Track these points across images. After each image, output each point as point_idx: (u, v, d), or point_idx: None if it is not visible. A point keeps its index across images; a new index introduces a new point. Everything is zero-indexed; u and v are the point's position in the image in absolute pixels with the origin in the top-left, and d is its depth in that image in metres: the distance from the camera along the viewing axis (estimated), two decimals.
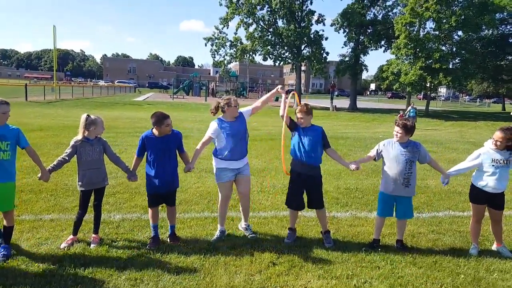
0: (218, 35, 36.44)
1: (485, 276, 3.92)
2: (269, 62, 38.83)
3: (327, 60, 36.94)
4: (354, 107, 37.11)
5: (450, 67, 33.84)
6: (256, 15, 34.75)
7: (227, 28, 37.12)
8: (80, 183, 4.21)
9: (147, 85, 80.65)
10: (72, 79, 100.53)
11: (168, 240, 4.45)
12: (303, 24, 34.62)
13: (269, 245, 4.43)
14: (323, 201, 4.59)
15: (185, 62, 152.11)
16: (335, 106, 35.33)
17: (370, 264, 4.07)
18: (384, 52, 39.12)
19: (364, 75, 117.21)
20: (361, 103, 49.55)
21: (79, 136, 4.14)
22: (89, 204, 4.36)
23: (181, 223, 5.03)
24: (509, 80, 42.68)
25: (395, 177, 4.31)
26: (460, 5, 29.66)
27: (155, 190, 4.35)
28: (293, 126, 4.50)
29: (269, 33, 35.38)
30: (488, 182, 4.31)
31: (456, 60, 34.89)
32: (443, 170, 4.60)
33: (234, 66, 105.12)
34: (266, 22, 35.30)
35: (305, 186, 4.51)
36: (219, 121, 4.49)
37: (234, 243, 4.47)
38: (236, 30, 36.17)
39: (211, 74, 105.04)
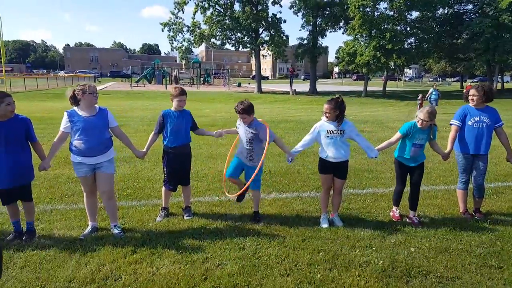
0: (174, 20, 35.45)
1: (346, 253, 3.94)
2: (229, 46, 38.33)
3: (288, 44, 36.70)
4: (314, 91, 37.30)
5: (406, 47, 34.47)
6: None
7: (183, 12, 36.02)
8: None
9: (108, 74, 78.34)
10: (33, 71, 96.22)
11: (23, 238, 4.10)
12: (260, 7, 34.16)
13: (141, 233, 4.34)
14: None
15: (151, 50, 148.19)
16: (295, 90, 35.42)
17: (236, 246, 4.04)
18: (342, 34, 39.30)
19: (331, 58, 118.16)
20: (324, 86, 50.02)
21: None
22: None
23: (61, 214, 4.86)
24: (465, 58, 43.81)
25: (242, 151, 4.67)
26: None
27: None
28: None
29: (226, 17, 34.71)
30: (328, 153, 4.55)
31: (411, 40, 35.58)
32: (286, 149, 4.76)
33: (200, 52, 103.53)
34: (223, 6, 34.61)
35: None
36: (69, 114, 4.02)
37: (107, 232, 4.34)
38: (194, 14, 35.28)
39: (177, 61, 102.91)
